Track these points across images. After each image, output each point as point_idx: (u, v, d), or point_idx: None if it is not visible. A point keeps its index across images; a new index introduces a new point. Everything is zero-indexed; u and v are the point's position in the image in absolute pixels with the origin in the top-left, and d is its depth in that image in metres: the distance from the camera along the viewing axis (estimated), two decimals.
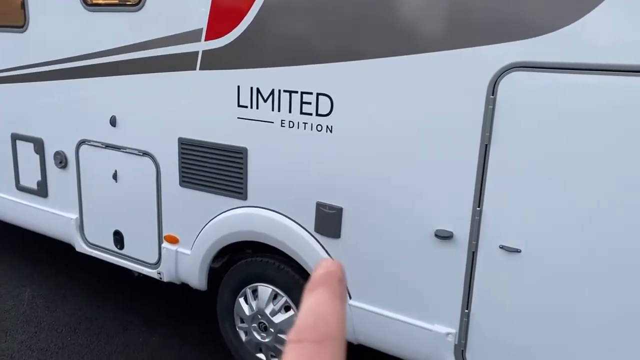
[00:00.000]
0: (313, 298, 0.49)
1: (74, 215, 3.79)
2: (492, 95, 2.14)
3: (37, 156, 3.90)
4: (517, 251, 2.20)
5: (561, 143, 2.05)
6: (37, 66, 3.68)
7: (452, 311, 2.42)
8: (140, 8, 3.07)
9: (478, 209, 2.26)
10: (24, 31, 3.68)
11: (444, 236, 2.35)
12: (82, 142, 3.60)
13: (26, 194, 4.07)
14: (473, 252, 2.32)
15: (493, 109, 2.15)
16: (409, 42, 2.29)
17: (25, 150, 3.96)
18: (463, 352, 2.44)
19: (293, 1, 2.59)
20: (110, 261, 3.70)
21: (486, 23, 2.12)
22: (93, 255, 3.79)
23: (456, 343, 2.44)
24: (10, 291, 4.19)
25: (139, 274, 3.62)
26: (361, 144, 2.50)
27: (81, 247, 3.82)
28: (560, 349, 2.21)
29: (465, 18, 2.16)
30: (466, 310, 2.38)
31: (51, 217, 3.94)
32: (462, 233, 2.32)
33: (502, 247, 2.23)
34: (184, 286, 3.44)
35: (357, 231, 2.61)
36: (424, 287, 2.49)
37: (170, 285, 3.47)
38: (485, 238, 2.27)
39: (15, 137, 4.00)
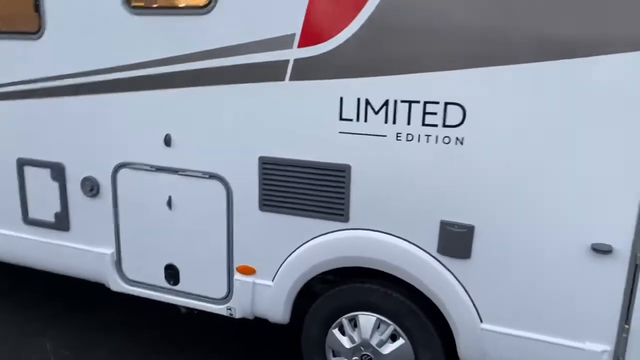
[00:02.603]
0: None
1: (109, 250, 3.29)
2: None
3: (56, 184, 3.34)
4: None
5: None
6: (56, 79, 3.15)
7: (608, 328, 2.31)
8: (210, 11, 2.68)
9: None
10: (38, 38, 3.13)
11: (603, 250, 2.23)
12: (121, 166, 3.11)
13: (39, 228, 3.48)
14: (636, 265, 2.21)
15: None
16: (562, 45, 2.14)
17: (38, 177, 3.39)
18: None
19: (413, 5, 2.34)
20: (159, 299, 3.25)
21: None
22: (134, 293, 3.31)
23: None
24: (29, 344, 3.55)
25: (195, 310, 3.21)
26: (500, 153, 2.32)
27: (118, 285, 3.33)
28: None
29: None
30: (626, 326, 2.28)
31: (75, 253, 3.40)
32: (623, 245, 2.21)
33: None
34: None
35: (491, 250, 2.42)
36: (574, 305, 2.35)
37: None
38: None
39: (22, 163, 3.41)
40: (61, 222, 3.39)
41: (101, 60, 2.99)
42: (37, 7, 3.09)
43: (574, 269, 2.31)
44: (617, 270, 2.24)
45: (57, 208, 3.38)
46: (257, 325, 3.38)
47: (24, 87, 3.25)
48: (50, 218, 3.42)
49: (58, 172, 3.31)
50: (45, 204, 3.42)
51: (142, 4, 2.89)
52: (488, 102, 2.29)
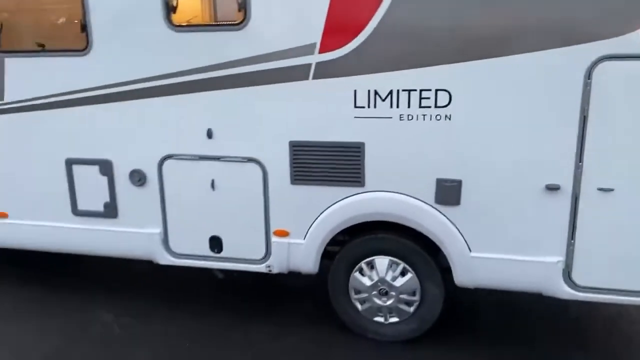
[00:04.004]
0: None
1: (156, 230, 3.90)
2: (589, 79, 2.95)
3: (105, 178, 3.90)
4: (611, 190, 3.06)
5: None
6: (103, 88, 3.71)
7: (560, 244, 3.23)
8: (244, 27, 3.36)
9: (580, 163, 3.07)
10: (86, 54, 3.68)
11: (553, 188, 3.14)
12: (166, 158, 3.74)
13: (88, 218, 4.03)
14: (576, 197, 3.13)
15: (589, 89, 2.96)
16: (519, 43, 3.01)
17: (87, 173, 3.93)
18: (570, 274, 3.26)
19: (407, 19, 3.13)
20: (204, 266, 3.90)
21: (584, 26, 2.91)
22: (180, 264, 3.95)
23: (564, 268, 3.25)
24: (88, 317, 4.10)
25: (234, 272, 3.90)
26: (478, 125, 3.17)
27: (166, 259, 3.95)
28: None
29: (569, 24, 2.93)
30: (572, 241, 3.20)
31: (125, 236, 3.98)
32: (567, 183, 3.12)
33: (599, 189, 3.07)
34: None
35: (475, 196, 3.28)
36: (535, 230, 3.25)
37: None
38: (585, 184, 3.09)
39: (71, 162, 3.94)
40: (110, 211, 3.96)
41: (146, 70, 3.59)
42: (84, 28, 3.64)
43: (534, 203, 3.20)
44: (563, 202, 3.16)
45: (106, 199, 3.95)
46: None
47: (73, 96, 3.78)
48: (99, 208, 3.98)
49: (106, 167, 3.88)
50: (93, 196, 3.97)
51: (183, 22, 3.52)
52: (467, 88, 3.13)
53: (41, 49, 3.81)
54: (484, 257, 3.37)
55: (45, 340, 3.77)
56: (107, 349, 3.68)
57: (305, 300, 4.32)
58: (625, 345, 3.68)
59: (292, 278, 3.93)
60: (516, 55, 3.03)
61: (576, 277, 3.26)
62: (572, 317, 3.98)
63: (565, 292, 3.29)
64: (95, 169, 3.91)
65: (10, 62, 3.85)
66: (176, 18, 3.48)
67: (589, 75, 2.95)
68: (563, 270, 3.26)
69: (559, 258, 3.25)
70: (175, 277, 4.59)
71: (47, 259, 4.83)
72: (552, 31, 2.96)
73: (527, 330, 3.84)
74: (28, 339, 3.81)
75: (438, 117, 3.22)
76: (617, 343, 3.70)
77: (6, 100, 3.94)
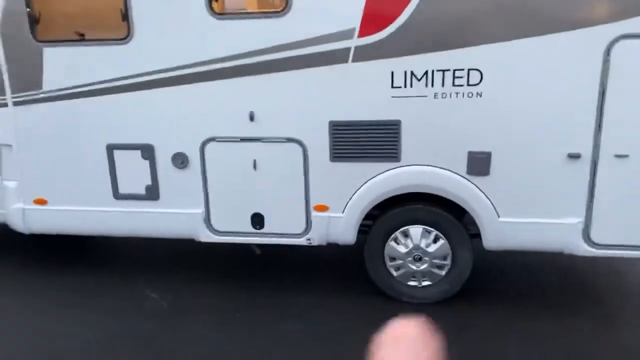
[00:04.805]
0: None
1: (199, 210, 4.11)
2: (608, 56, 3.28)
3: (147, 162, 4.08)
4: (626, 156, 3.42)
5: None
6: (145, 75, 3.87)
7: (580, 207, 3.59)
8: (285, 14, 3.56)
9: (599, 133, 3.41)
10: (127, 42, 3.82)
11: (574, 156, 3.48)
12: (208, 140, 3.93)
13: (130, 201, 4.21)
14: (595, 163, 3.48)
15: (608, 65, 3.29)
16: (544, 25, 3.31)
17: (128, 158, 4.10)
18: (589, 234, 3.63)
19: (441, 3, 3.40)
20: (244, 242, 4.14)
21: (604, 8, 3.23)
22: (222, 241, 4.17)
23: (583, 228, 3.62)
24: (134, 296, 4.28)
25: (266, 249, 4.16)
26: (506, 101, 3.47)
27: (208, 236, 4.17)
28: None
29: (589, 7, 3.24)
30: (590, 203, 3.56)
31: (167, 217, 4.18)
32: (587, 152, 3.47)
33: (616, 156, 3.43)
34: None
35: (503, 167, 3.60)
36: (557, 195, 3.59)
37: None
38: (603, 152, 3.45)
39: (112, 148, 4.10)
40: (152, 193, 4.15)
41: (188, 57, 3.77)
42: (125, 17, 3.78)
43: (557, 171, 3.54)
44: (583, 169, 3.51)
45: (147, 182, 4.12)
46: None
47: (114, 84, 3.93)
48: (141, 191, 4.16)
49: (148, 151, 4.05)
50: (135, 180, 4.14)
51: (225, 10, 3.69)
52: (497, 67, 3.43)
53: (81, 38, 3.93)
54: (512, 222, 3.71)
55: (104, 320, 3.94)
56: (161, 322, 3.89)
57: (338, 270, 4.61)
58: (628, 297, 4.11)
59: (323, 250, 4.21)
60: (542, 36, 3.33)
61: (594, 235, 3.63)
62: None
63: (585, 249, 3.66)
64: (137, 153, 4.07)
65: (49, 52, 3.96)
66: (218, 6, 3.66)
67: (608, 52, 3.28)
68: (582, 230, 3.63)
69: (579, 219, 3.61)
70: (207, 254, 4.81)
71: (74, 245, 4.98)
72: (574, 13, 3.27)
73: (540, 287, 4.23)
74: (82, 320, 3.98)
75: (470, 95, 3.51)
76: (623, 296, 4.12)
77: (45, 89, 4.05)
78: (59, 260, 5.01)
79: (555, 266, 4.51)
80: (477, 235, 3.89)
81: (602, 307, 3.94)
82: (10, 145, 4.31)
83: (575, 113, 3.43)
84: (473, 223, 3.87)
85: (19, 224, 4.48)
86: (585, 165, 3.50)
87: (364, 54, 3.55)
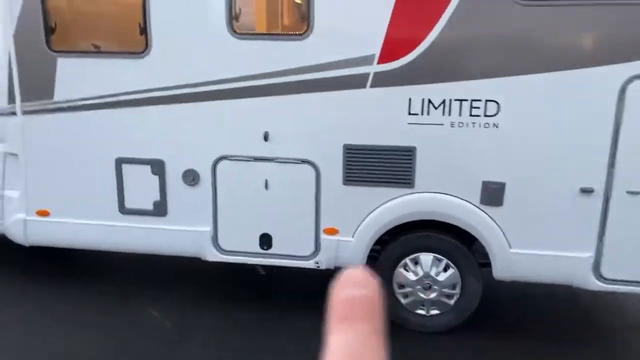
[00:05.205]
0: (345, 336, 0.40)
1: (206, 228, 4.05)
2: (623, 94, 3.33)
3: (156, 177, 4.02)
4: (638, 193, 3.45)
5: None
6: (160, 90, 3.84)
7: (591, 241, 3.60)
8: (306, 37, 3.58)
9: (612, 169, 3.45)
10: (144, 56, 3.80)
11: (587, 190, 3.50)
12: (221, 158, 3.90)
13: (135, 216, 4.14)
14: (607, 198, 3.51)
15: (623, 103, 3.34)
16: (562, 61, 3.36)
17: (137, 172, 4.05)
18: (599, 269, 3.63)
19: (461, 36, 3.44)
20: (251, 262, 4.09)
21: (621, 49, 3.29)
22: (229, 261, 4.11)
23: (593, 262, 3.63)
24: (136, 313, 4.18)
25: (276, 268, 4.10)
26: (522, 132, 3.50)
27: (215, 255, 4.10)
28: None
29: (608, 47, 3.30)
30: (602, 238, 3.58)
31: (173, 234, 4.11)
32: (599, 187, 3.49)
33: (628, 192, 3.46)
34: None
35: (517, 197, 3.61)
36: (569, 228, 3.61)
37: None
38: (616, 188, 3.48)
39: (121, 161, 4.04)
40: (160, 209, 4.08)
41: (206, 74, 3.75)
42: (143, 31, 3.77)
43: (569, 204, 3.56)
44: (596, 204, 3.53)
45: (156, 197, 4.06)
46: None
47: (128, 97, 3.89)
48: (149, 206, 4.09)
49: (159, 167, 4.00)
50: (142, 195, 4.08)
51: (246, 30, 3.70)
52: (514, 99, 3.46)
53: (97, 50, 3.91)
54: (523, 253, 3.70)
55: (106, 338, 3.83)
56: (162, 342, 3.80)
57: None
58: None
59: (328, 273, 4.16)
60: (559, 72, 3.38)
61: (604, 270, 3.64)
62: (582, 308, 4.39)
63: (594, 284, 3.66)
64: (146, 168, 4.02)
65: (63, 62, 3.92)
66: (239, 26, 3.67)
67: (623, 90, 3.33)
68: (593, 264, 3.64)
69: (589, 254, 3.62)
70: (212, 273, 4.74)
71: (75, 258, 4.89)
72: (593, 52, 3.33)
73: (544, 320, 4.22)
74: (85, 337, 3.87)
75: (487, 125, 3.53)
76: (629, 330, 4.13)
77: (56, 99, 4.01)
78: (56, 275, 4.89)
79: (561, 296, 4.51)
80: (485, 265, 3.88)
81: (609, 339, 3.94)
82: (15, 154, 4.24)
83: (589, 148, 3.46)
84: (481, 252, 3.87)
85: (19, 235, 4.38)
86: (597, 200, 3.53)
87: (382, 80, 3.56)
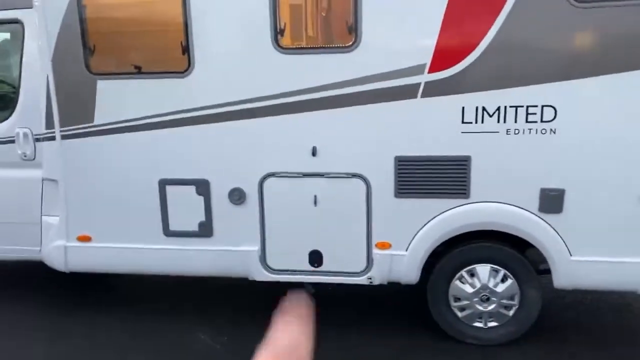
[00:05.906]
0: (287, 322, 0.75)
1: (254, 247, 3.96)
2: None
3: (201, 197, 3.94)
4: None
5: None
6: (204, 109, 3.77)
7: None
8: (354, 49, 3.50)
9: None
10: (187, 76, 3.73)
11: None
12: (268, 176, 3.81)
13: (180, 238, 4.05)
14: None
15: None
16: (622, 63, 3.27)
17: (181, 194, 3.96)
18: None
19: (514, 41, 3.35)
20: (301, 281, 3.98)
21: None
22: (276, 280, 4.01)
23: None
24: (186, 337, 4.09)
25: (330, 285, 4.00)
26: (581, 138, 3.40)
27: (263, 275, 4.00)
28: None
29: None
30: None
31: (220, 254, 4.01)
32: None
33: None
34: None
35: (577, 204, 3.51)
36: (629, 234, 3.50)
37: None
38: None
39: (164, 183, 3.96)
40: (205, 230, 3.99)
41: (251, 91, 3.68)
42: (185, 50, 3.70)
43: (628, 211, 3.46)
44: None
45: (201, 218, 3.98)
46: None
47: (171, 117, 3.82)
48: (194, 228, 4.00)
49: (204, 187, 3.91)
50: (187, 216, 3.99)
51: (291, 45, 3.63)
52: (572, 104, 3.37)
53: (138, 71, 3.84)
54: (584, 260, 3.60)
55: None
56: None
57: (392, 308, 4.45)
58: None
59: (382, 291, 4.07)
60: (618, 74, 3.29)
61: None
62: None
63: None
64: (191, 189, 3.94)
65: (103, 84, 3.86)
66: (284, 40, 3.59)
67: None
68: None
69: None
70: (257, 292, 4.64)
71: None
72: None
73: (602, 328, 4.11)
74: None
75: (543, 131, 3.44)
76: None
77: (96, 122, 3.93)
78: (90, 300, 4.79)
79: (611, 305, 4.40)
80: (543, 272, 3.78)
81: None
82: (54, 180, 4.16)
83: None
84: (537, 260, 3.77)
85: (59, 262, 4.29)
86: None
87: (434, 89, 3.48)
